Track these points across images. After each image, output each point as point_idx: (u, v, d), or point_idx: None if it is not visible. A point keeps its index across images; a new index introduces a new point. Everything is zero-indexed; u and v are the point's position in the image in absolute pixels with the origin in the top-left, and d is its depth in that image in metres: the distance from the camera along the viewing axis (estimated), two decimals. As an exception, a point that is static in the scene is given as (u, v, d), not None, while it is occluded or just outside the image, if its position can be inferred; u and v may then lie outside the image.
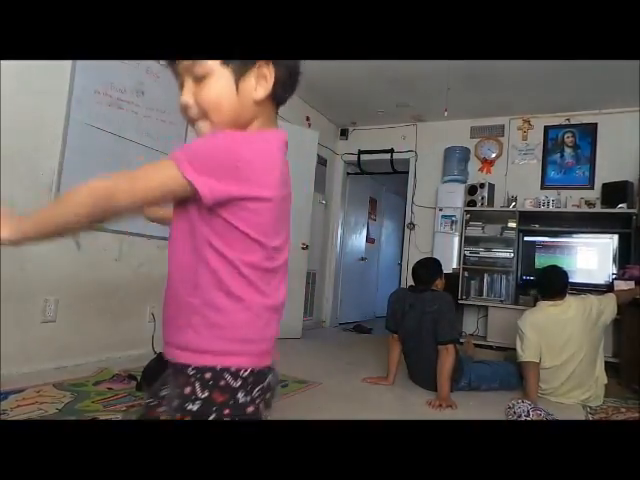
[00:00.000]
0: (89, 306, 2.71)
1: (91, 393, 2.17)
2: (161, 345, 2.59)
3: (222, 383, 0.70)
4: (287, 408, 2.18)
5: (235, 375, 0.71)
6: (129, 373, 2.48)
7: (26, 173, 2.36)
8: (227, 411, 0.70)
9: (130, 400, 2.13)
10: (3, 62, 2.17)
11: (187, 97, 0.73)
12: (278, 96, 0.77)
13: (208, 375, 0.70)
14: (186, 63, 0.72)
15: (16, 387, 2.11)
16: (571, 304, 2.73)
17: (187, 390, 0.70)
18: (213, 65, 0.71)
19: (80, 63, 2.55)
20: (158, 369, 2.54)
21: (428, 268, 2.91)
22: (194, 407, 0.70)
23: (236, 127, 0.74)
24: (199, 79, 0.72)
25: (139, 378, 2.32)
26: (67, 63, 2.50)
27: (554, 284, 2.79)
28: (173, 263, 0.76)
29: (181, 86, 0.74)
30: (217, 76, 0.71)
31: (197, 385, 0.70)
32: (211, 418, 0.69)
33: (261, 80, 0.73)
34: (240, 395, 0.71)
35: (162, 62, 0.75)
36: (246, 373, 0.72)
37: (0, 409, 1.83)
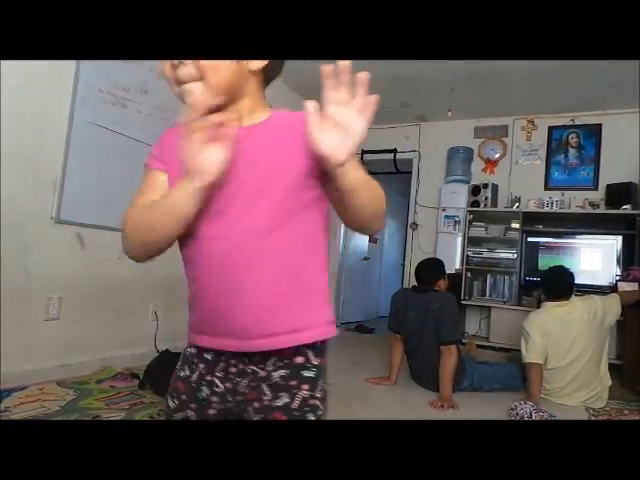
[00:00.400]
0: (92, 304, 2.71)
1: (94, 391, 2.18)
2: (164, 344, 2.57)
3: (322, 347, 0.77)
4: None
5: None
6: (132, 371, 2.49)
7: (30, 172, 2.37)
8: (324, 374, 0.78)
9: (132, 398, 2.14)
10: (7, 61, 2.18)
11: None
12: (270, 71, 0.78)
13: (319, 343, 0.76)
14: None
15: (19, 384, 2.12)
16: (576, 305, 2.72)
17: (299, 360, 0.74)
18: None
19: (84, 62, 2.55)
20: (161, 367, 2.54)
21: (431, 268, 2.90)
22: (310, 374, 0.74)
23: (230, 92, 0.72)
24: None
25: (142, 376, 2.33)
26: (71, 62, 2.51)
27: (560, 284, 2.78)
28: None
29: None
30: None
31: (310, 353, 0.75)
32: (320, 382, 0.76)
33: None
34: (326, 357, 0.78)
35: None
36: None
37: (0, 409, 1.83)
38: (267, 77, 0.78)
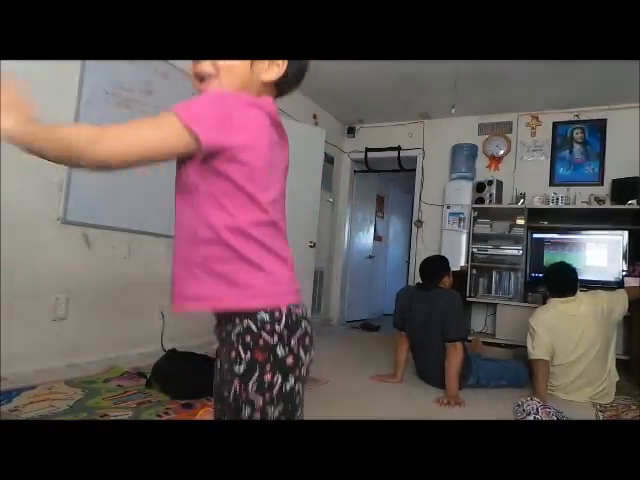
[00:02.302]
0: (99, 304, 2.73)
1: (101, 390, 2.20)
2: (170, 343, 2.60)
3: (261, 342, 0.74)
4: (295, 405, 2.18)
5: (271, 331, 0.74)
6: (139, 370, 2.50)
7: (36, 172, 2.38)
8: (268, 367, 0.74)
9: (140, 397, 2.15)
10: (13, 62, 2.19)
11: None
12: (282, 86, 0.82)
13: (248, 338, 0.74)
14: None
15: (28, 384, 2.14)
16: (582, 300, 2.71)
17: (232, 354, 0.75)
18: None
19: (89, 64, 2.57)
20: (167, 366, 2.55)
21: (435, 265, 2.90)
22: (240, 369, 0.74)
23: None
24: None
25: (149, 375, 2.34)
26: (76, 64, 2.52)
27: (563, 281, 2.77)
28: (177, 221, 0.79)
29: None
30: None
31: (240, 348, 0.74)
32: (255, 376, 0.73)
33: (273, 65, 0.78)
34: (279, 349, 0.75)
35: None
36: (280, 326, 0.75)
37: (0, 410, 1.85)
38: (280, 90, 0.83)
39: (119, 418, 1.86)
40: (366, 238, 6.14)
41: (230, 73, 0.76)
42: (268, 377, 0.74)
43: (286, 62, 0.78)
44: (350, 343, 4.22)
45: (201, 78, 0.78)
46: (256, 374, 0.73)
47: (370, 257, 6.20)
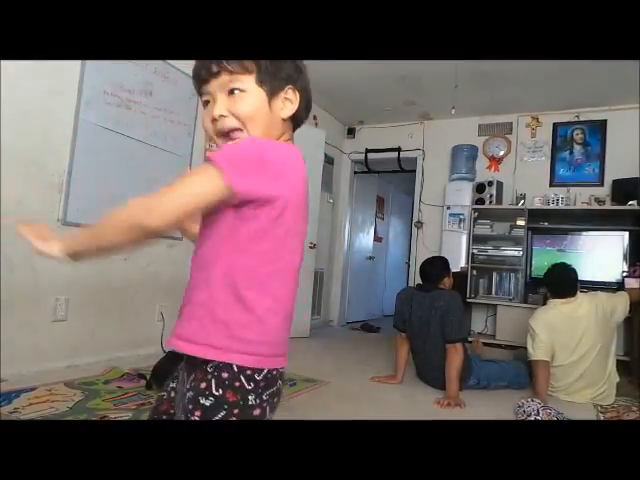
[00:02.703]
0: (99, 305, 2.73)
1: (101, 391, 2.19)
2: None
3: (237, 384, 0.72)
4: (295, 407, 2.18)
5: (249, 378, 0.73)
6: (139, 372, 2.50)
7: (36, 174, 2.38)
8: (236, 411, 0.71)
9: (140, 399, 2.15)
10: (14, 64, 2.20)
11: (221, 109, 0.77)
12: (298, 118, 0.85)
13: (225, 375, 0.72)
14: (223, 79, 0.76)
15: (28, 386, 2.13)
16: (582, 301, 2.70)
17: (203, 385, 0.72)
18: (249, 83, 0.77)
19: (89, 65, 2.57)
20: (167, 368, 2.54)
21: (435, 266, 2.90)
22: (206, 402, 0.72)
23: (266, 137, 0.79)
24: (232, 94, 0.77)
25: (148, 377, 2.34)
26: (76, 65, 2.52)
27: (564, 282, 2.77)
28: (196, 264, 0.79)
29: (209, 102, 0.79)
30: (254, 93, 0.77)
31: (213, 382, 0.72)
32: (220, 416, 0.71)
33: (287, 102, 0.81)
34: (250, 397, 0.73)
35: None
36: (260, 376, 0.73)
37: (0, 410, 1.85)
38: (296, 122, 0.86)
39: (119, 419, 1.86)
40: (366, 239, 6.14)
41: (254, 121, 0.77)
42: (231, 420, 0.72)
43: (298, 95, 0.81)
44: (350, 344, 4.22)
45: (224, 134, 0.78)
46: (222, 413, 0.71)
47: (370, 258, 6.20)
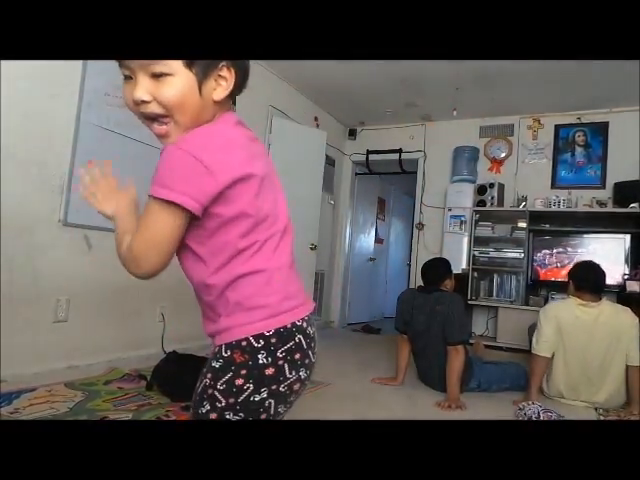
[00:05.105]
0: (100, 306, 2.73)
1: (102, 392, 2.19)
2: (171, 345, 2.59)
3: (244, 343, 0.72)
4: (296, 408, 2.17)
5: (257, 336, 0.73)
6: (139, 373, 2.50)
7: (37, 175, 2.38)
8: (244, 371, 0.72)
9: (140, 400, 2.15)
10: (15, 65, 2.20)
11: (142, 93, 0.71)
12: (233, 94, 0.78)
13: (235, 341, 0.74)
14: (144, 60, 0.70)
15: (28, 386, 2.13)
16: (604, 310, 2.52)
17: (216, 349, 0.75)
18: (176, 65, 0.70)
19: (90, 66, 2.57)
20: (168, 369, 2.54)
21: (437, 268, 2.90)
22: (216, 364, 0.73)
23: (198, 123, 0.74)
24: (157, 77, 0.70)
25: (149, 378, 2.34)
26: (78, 66, 2.53)
27: (586, 278, 2.58)
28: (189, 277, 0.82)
29: (130, 80, 0.73)
30: (181, 76, 0.71)
31: (223, 345, 0.74)
32: (227, 376, 0.72)
33: (221, 81, 0.75)
34: (260, 356, 0.72)
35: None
36: (270, 333, 0.73)
37: (0, 411, 1.85)
38: (233, 98, 0.80)
39: (119, 420, 1.86)
40: (367, 240, 6.14)
41: (182, 109, 0.72)
42: (239, 382, 0.71)
43: (233, 73, 0.75)
44: (351, 346, 4.21)
45: (152, 119, 0.74)
46: (228, 375, 0.72)
47: (371, 259, 6.19)
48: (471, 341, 3.63)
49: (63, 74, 2.46)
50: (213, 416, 0.72)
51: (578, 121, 4.49)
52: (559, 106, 4.40)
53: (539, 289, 4.35)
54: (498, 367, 2.91)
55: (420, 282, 2.97)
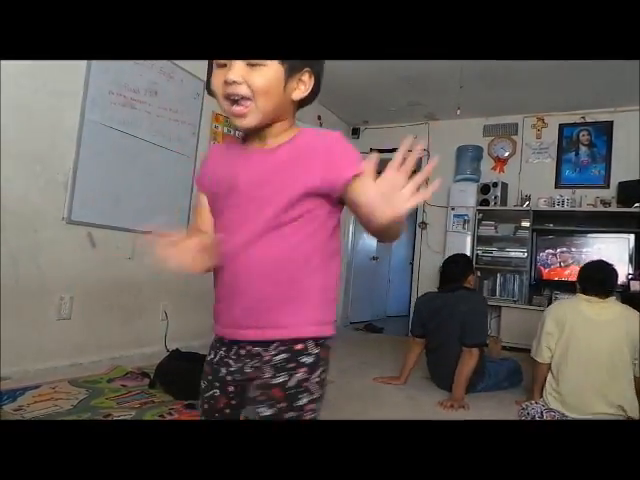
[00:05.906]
0: (103, 304, 2.74)
1: (105, 390, 2.20)
2: (174, 343, 2.60)
3: (327, 342, 0.84)
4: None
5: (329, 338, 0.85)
6: (142, 370, 2.50)
7: (42, 172, 2.39)
8: (326, 367, 0.83)
9: (143, 397, 2.15)
10: (19, 63, 2.21)
11: (237, 76, 0.76)
12: (306, 101, 0.86)
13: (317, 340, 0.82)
14: None
15: (32, 383, 2.14)
16: (613, 309, 2.38)
17: (299, 346, 0.80)
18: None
19: (95, 65, 2.58)
20: (171, 367, 2.55)
21: (459, 264, 2.86)
22: (308, 360, 0.80)
23: (273, 115, 0.81)
24: (252, 65, 0.76)
25: (152, 375, 2.34)
26: (82, 65, 2.53)
27: (593, 277, 2.45)
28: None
29: (223, 68, 0.78)
30: (273, 68, 0.77)
31: (310, 343, 0.81)
32: (319, 371, 0.81)
33: (301, 84, 0.82)
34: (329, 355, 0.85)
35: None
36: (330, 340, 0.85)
37: (3, 409, 1.86)
38: (302, 104, 0.86)
39: (122, 418, 1.87)
40: (370, 239, 6.13)
41: (266, 96, 0.78)
42: (325, 375, 0.83)
43: (312, 79, 0.82)
44: (353, 344, 4.21)
45: (234, 100, 0.78)
46: (321, 369, 0.81)
47: (374, 258, 6.19)
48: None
49: (68, 72, 2.47)
50: (311, 407, 0.79)
51: (582, 120, 4.47)
52: (563, 105, 4.39)
53: (542, 289, 4.34)
54: (498, 366, 2.90)
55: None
